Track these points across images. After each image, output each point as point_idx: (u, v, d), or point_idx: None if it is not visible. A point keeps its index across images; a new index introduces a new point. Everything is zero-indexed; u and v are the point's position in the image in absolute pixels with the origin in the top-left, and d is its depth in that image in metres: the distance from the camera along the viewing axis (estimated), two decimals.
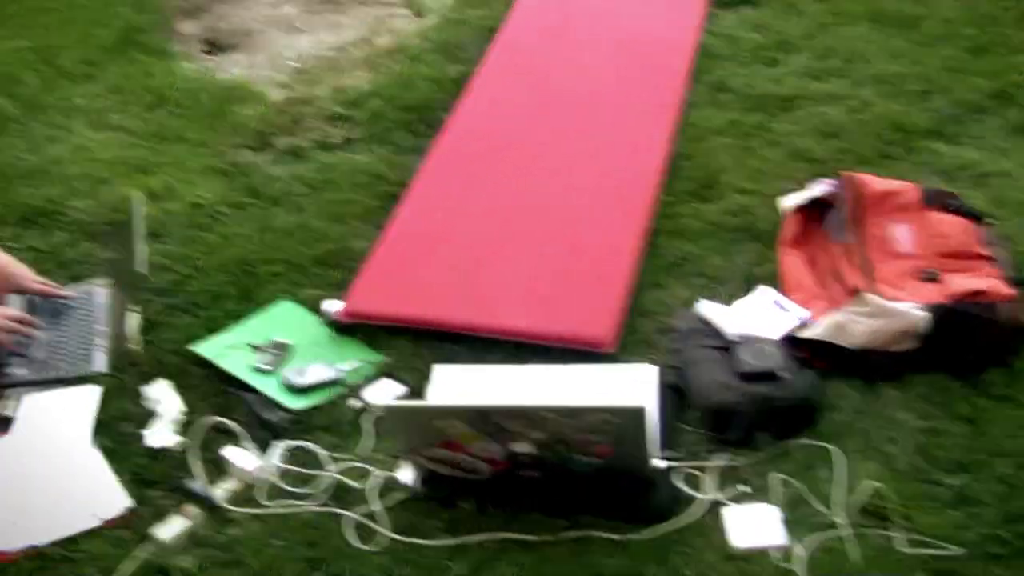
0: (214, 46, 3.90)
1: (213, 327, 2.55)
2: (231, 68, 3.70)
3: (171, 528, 2.06)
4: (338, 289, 2.61)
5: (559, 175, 2.90)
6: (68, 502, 2.14)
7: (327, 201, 2.94)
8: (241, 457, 2.19)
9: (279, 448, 2.22)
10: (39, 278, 2.65)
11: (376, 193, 2.95)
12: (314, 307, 2.58)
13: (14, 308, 2.61)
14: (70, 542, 2.05)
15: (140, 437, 2.26)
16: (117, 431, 2.29)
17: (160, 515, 2.08)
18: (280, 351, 2.47)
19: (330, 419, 2.28)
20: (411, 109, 3.28)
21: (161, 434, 2.29)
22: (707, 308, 2.42)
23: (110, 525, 2.08)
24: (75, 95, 3.53)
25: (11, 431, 2.32)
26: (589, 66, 3.35)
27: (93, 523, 2.08)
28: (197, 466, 2.18)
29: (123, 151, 3.22)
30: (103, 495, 2.15)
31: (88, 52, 3.76)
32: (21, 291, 2.63)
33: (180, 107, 3.41)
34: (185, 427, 2.28)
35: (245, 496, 2.12)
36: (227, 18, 4.04)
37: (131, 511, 2.11)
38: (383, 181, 3.00)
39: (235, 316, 2.58)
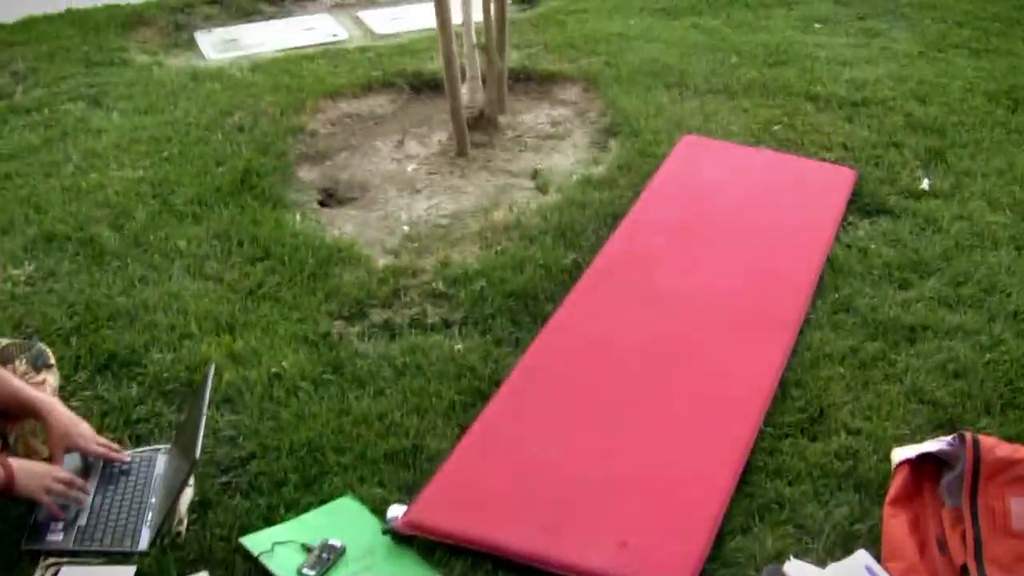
0: (331, 197, 3.93)
1: (269, 516, 2.48)
2: (343, 224, 3.71)
3: None
4: (406, 492, 2.51)
5: (658, 392, 2.78)
6: None
7: (411, 390, 2.86)
8: None
9: None
10: (102, 440, 2.62)
11: (464, 387, 2.87)
12: (377, 508, 2.48)
13: (69, 467, 2.58)
14: None
15: None
16: None
17: None
18: (330, 555, 2.37)
19: None
20: (516, 296, 3.21)
21: None
22: (795, 569, 2.24)
23: None
24: (179, 236, 3.57)
25: None
26: (708, 268, 3.25)
27: None
28: None
29: (214, 304, 3.22)
30: None
31: (202, 192, 3.82)
32: (80, 451, 2.59)
33: (281, 263, 3.40)
34: None
35: None
36: (349, 168, 4.07)
37: None
38: (473, 375, 2.91)
39: (294, 505, 2.51)
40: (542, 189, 3.82)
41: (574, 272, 3.30)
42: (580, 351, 2.95)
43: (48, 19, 5.54)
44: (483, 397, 2.82)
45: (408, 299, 3.26)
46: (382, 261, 3.46)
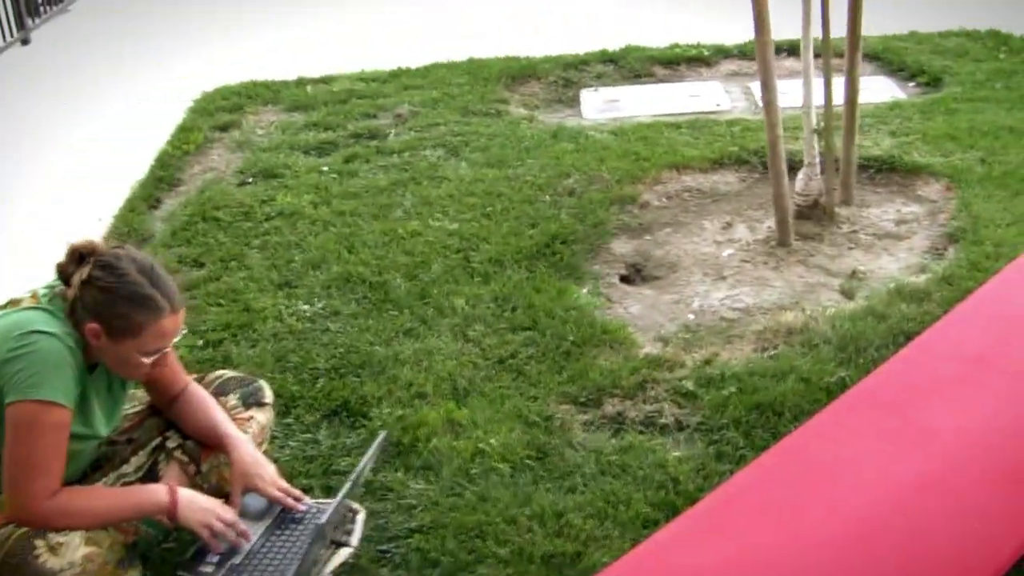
0: (637, 273, 3.92)
1: None
2: (631, 304, 3.69)
3: None
4: None
5: (880, 544, 2.49)
6: None
7: (604, 491, 2.79)
8: None
9: None
10: (282, 484, 2.77)
11: (659, 500, 2.75)
12: None
13: (255, 507, 2.75)
14: None
15: None
16: None
17: None
18: None
19: None
20: (762, 408, 3.03)
21: None
22: None
23: None
24: (462, 294, 3.72)
25: None
26: (996, 408, 2.87)
27: None
28: None
29: (459, 368, 3.33)
30: None
31: (503, 252, 3.96)
32: (258, 492, 2.77)
33: (543, 336, 3.45)
34: None
35: None
36: (666, 245, 4.04)
37: None
38: (675, 487, 2.78)
39: None
40: (848, 294, 3.57)
41: (836, 391, 3.06)
42: (802, 481, 2.72)
43: (448, 67, 5.99)
44: (675, 513, 2.69)
45: (652, 394, 3.18)
46: (646, 349, 3.40)
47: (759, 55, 3.67)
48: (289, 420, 3.21)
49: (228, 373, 3.04)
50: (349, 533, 2.73)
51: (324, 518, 2.51)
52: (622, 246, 4.05)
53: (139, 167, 5.08)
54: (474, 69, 5.92)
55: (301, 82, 6.00)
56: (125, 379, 2.69)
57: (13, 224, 4.64)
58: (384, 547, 2.70)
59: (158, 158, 5.16)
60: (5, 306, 2.59)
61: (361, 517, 2.79)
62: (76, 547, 2.49)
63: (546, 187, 4.43)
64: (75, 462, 2.63)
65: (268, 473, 2.76)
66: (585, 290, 3.74)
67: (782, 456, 2.81)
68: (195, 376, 2.97)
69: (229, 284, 3.95)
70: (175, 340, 2.59)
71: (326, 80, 6.00)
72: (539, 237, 4.04)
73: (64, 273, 2.54)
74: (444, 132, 5.12)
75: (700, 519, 2.64)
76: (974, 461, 2.73)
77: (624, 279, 3.89)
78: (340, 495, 2.61)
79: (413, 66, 6.07)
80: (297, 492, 2.78)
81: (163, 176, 4.97)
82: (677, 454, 2.92)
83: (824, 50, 3.86)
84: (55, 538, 2.48)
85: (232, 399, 2.94)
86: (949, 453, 2.76)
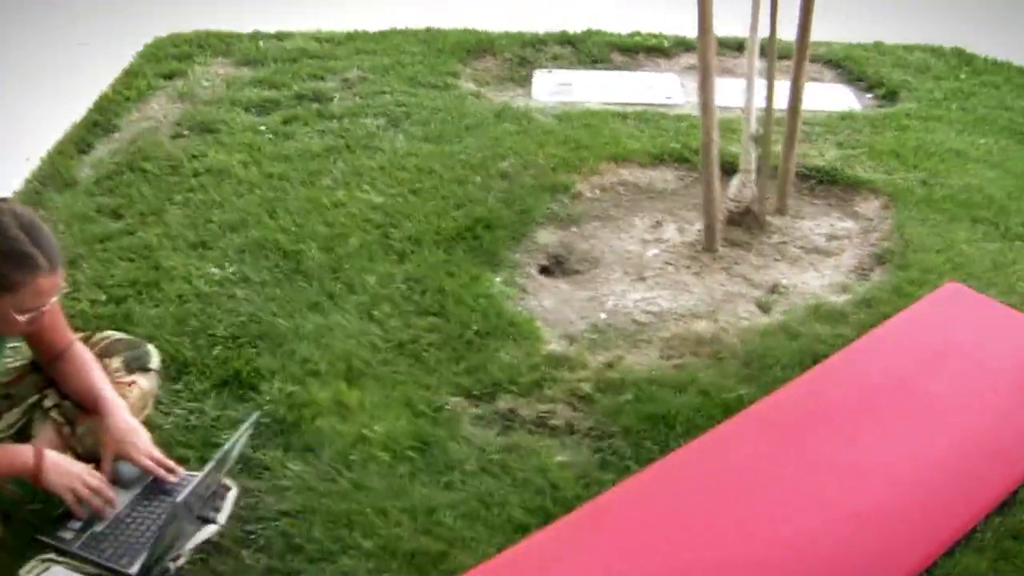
0: (559, 266, 3.86)
1: None
2: (544, 298, 3.64)
3: None
4: None
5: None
6: None
7: (480, 491, 2.76)
8: None
9: None
10: (156, 455, 2.71)
11: (535, 505, 2.72)
12: None
13: (129, 474, 2.70)
14: None
15: None
16: None
17: None
18: None
19: None
20: (655, 419, 2.99)
21: None
22: None
23: None
24: (374, 271, 3.66)
25: None
26: (890, 443, 2.85)
27: None
28: None
29: (358, 349, 3.29)
30: None
31: (423, 232, 3.91)
32: (129, 460, 2.71)
33: (447, 323, 3.41)
34: None
35: None
36: (592, 239, 4.00)
37: None
38: (554, 494, 2.75)
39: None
40: (765, 308, 3.53)
41: (735, 407, 3.02)
42: (679, 499, 2.69)
43: (405, 34, 5.89)
44: (548, 520, 2.65)
45: (548, 393, 3.13)
46: (551, 346, 3.35)
47: (700, 54, 3.61)
48: (179, 387, 3.15)
49: (115, 335, 2.99)
50: (218, 510, 2.70)
51: (182, 496, 2.45)
52: (547, 236, 4.00)
53: (77, 110, 4.97)
54: (430, 39, 5.82)
55: (255, 36, 5.88)
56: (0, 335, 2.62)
57: None
58: (251, 527, 2.65)
59: (97, 102, 5.06)
60: None
61: (232, 494, 2.75)
62: None
63: (480, 168, 4.37)
64: None
65: (142, 441, 2.71)
66: (499, 279, 3.68)
67: (662, 472, 2.77)
68: (82, 335, 2.91)
69: (143, 240, 3.88)
70: (52, 300, 2.53)
71: (280, 36, 5.89)
72: (463, 219, 3.98)
73: None
74: (389, 101, 5.04)
75: (568, 530, 2.61)
76: (863, 493, 2.70)
77: (544, 270, 3.84)
78: (203, 473, 2.56)
79: (371, 30, 5.97)
80: (171, 464, 2.73)
81: (98, 121, 4.87)
82: (561, 459, 2.88)
83: (769, 53, 3.79)
84: None
85: (116, 362, 2.88)
86: (837, 482, 2.73)
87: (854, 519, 2.60)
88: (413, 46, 5.72)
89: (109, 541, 2.60)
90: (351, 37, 5.89)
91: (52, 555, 2.56)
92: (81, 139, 4.71)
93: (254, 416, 2.79)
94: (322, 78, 5.36)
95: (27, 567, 2.53)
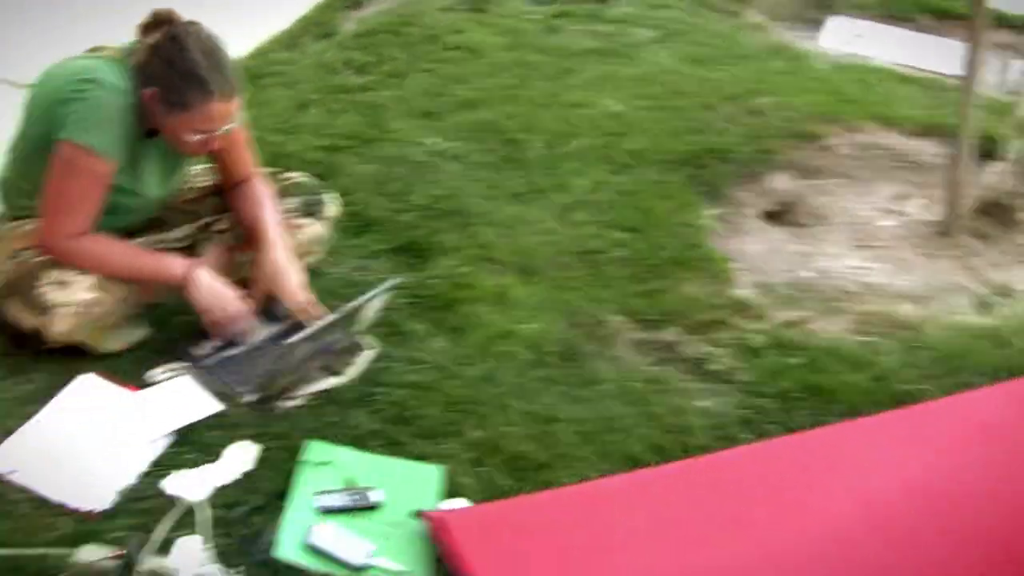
0: (783, 214, 3.65)
1: (359, 442, 2.45)
2: (750, 243, 3.44)
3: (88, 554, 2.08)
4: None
5: None
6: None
7: (608, 414, 2.64)
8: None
9: None
10: (304, 298, 2.72)
11: (652, 443, 2.57)
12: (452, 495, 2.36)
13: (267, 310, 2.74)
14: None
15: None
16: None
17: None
18: (359, 502, 2.32)
19: None
20: (819, 391, 2.77)
21: (183, 485, 2.29)
22: None
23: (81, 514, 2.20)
24: (585, 176, 3.58)
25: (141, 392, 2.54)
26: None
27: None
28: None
29: (542, 247, 3.24)
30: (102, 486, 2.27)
31: (647, 150, 3.79)
32: (278, 296, 2.74)
33: (642, 243, 3.29)
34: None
35: None
36: (827, 195, 3.75)
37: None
38: (680, 438, 2.59)
39: (394, 446, 2.45)
40: (983, 308, 3.21)
41: (906, 401, 2.76)
42: (785, 478, 2.49)
43: None
44: (664, 460, 2.52)
45: (716, 337, 2.96)
46: (739, 292, 3.17)
47: (973, 26, 3.30)
48: (356, 242, 3.18)
49: (302, 178, 3.01)
50: (348, 365, 2.69)
51: (294, 338, 2.46)
52: (781, 182, 3.77)
53: None
54: None
55: None
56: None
57: None
58: (373, 390, 2.64)
59: None
60: (91, 51, 2.61)
61: (368, 355, 2.74)
62: (82, 288, 2.56)
63: (733, 99, 4.16)
64: (120, 216, 2.67)
65: (291, 281, 2.73)
66: (712, 212, 3.50)
67: (786, 447, 2.57)
68: (274, 170, 2.95)
69: (377, 99, 3.92)
70: (225, 127, 2.56)
71: None
72: (695, 145, 3.81)
73: (142, 34, 2.54)
74: (668, 17, 4.88)
75: (664, 479, 2.46)
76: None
77: (767, 215, 3.62)
78: (322, 322, 2.57)
79: None
80: (318, 310, 2.74)
81: None
82: (704, 404, 2.71)
83: None
84: (67, 275, 2.55)
85: (292, 203, 2.92)
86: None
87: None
88: None
89: (237, 366, 2.66)
90: None
91: (183, 365, 2.63)
92: None
93: (392, 281, 2.75)
94: None
95: (157, 370, 2.62)
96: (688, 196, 3.53)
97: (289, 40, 4.30)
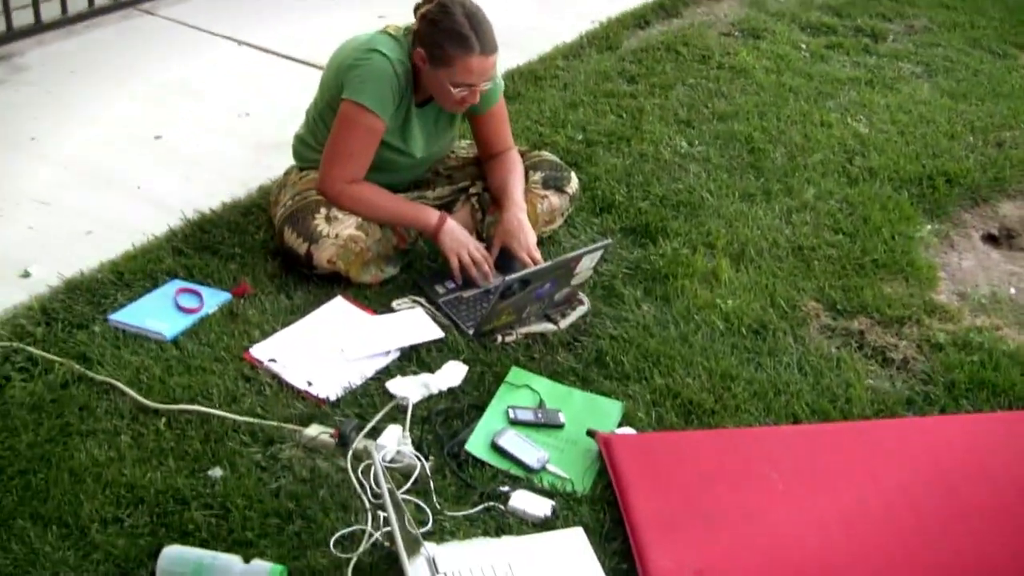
0: (1008, 239, 3.77)
1: (556, 376, 2.85)
2: (966, 260, 3.59)
3: (313, 431, 2.58)
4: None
5: None
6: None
7: (780, 378, 2.89)
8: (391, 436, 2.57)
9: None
10: (534, 253, 3.14)
11: (819, 408, 2.82)
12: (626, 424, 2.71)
13: (504, 264, 3.18)
14: None
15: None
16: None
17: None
18: (542, 420, 2.70)
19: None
20: (988, 386, 2.91)
21: (399, 386, 2.76)
22: None
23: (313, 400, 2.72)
24: (819, 185, 3.81)
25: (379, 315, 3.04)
26: None
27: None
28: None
29: (759, 239, 3.50)
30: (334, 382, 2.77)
31: (887, 165, 3.95)
32: (510, 250, 3.18)
33: (853, 245, 3.51)
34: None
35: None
36: None
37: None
38: (840, 405, 2.83)
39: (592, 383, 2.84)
40: None
41: None
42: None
43: None
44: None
45: (904, 331, 3.14)
46: (937, 297, 3.33)
47: None
48: (596, 220, 3.55)
49: (548, 156, 3.44)
50: (564, 316, 3.08)
51: (509, 278, 2.86)
52: (1012, 209, 3.87)
53: None
54: (1019, 8, 5.63)
55: None
56: (449, 111, 3.14)
57: None
58: (579, 337, 3.01)
59: None
60: (382, 29, 3.15)
61: (582, 309, 3.12)
62: (347, 226, 3.07)
63: (979, 131, 4.27)
64: (389, 172, 3.18)
65: (525, 239, 3.15)
66: (931, 227, 3.67)
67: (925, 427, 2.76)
68: (522, 150, 3.40)
69: (640, 104, 4.30)
70: (485, 82, 3.00)
71: None
72: (929, 168, 3.97)
73: (416, 9, 3.05)
74: (937, 54, 5.00)
75: (811, 433, 2.70)
76: None
77: (988, 238, 3.75)
78: (538, 267, 2.96)
79: None
80: (539, 266, 3.14)
81: (665, 5, 5.33)
82: (872, 383, 2.92)
83: None
84: (336, 212, 3.07)
85: (537, 176, 3.34)
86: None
87: None
88: (995, 10, 5.56)
89: (467, 305, 3.10)
90: None
91: (422, 300, 3.10)
92: (643, 16, 5.20)
93: (604, 241, 3.12)
94: (889, 20, 5.42)
95: (399, 301, 3.10)
96: (909, 211, 3.71)
97: (573, 51, 4.75)
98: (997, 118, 4.38)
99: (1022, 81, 4.82)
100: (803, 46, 4.98)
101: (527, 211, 3.21)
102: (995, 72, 4.86)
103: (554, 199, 3.36)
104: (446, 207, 3.32)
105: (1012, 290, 3.44)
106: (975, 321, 3.23)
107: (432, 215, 3.15)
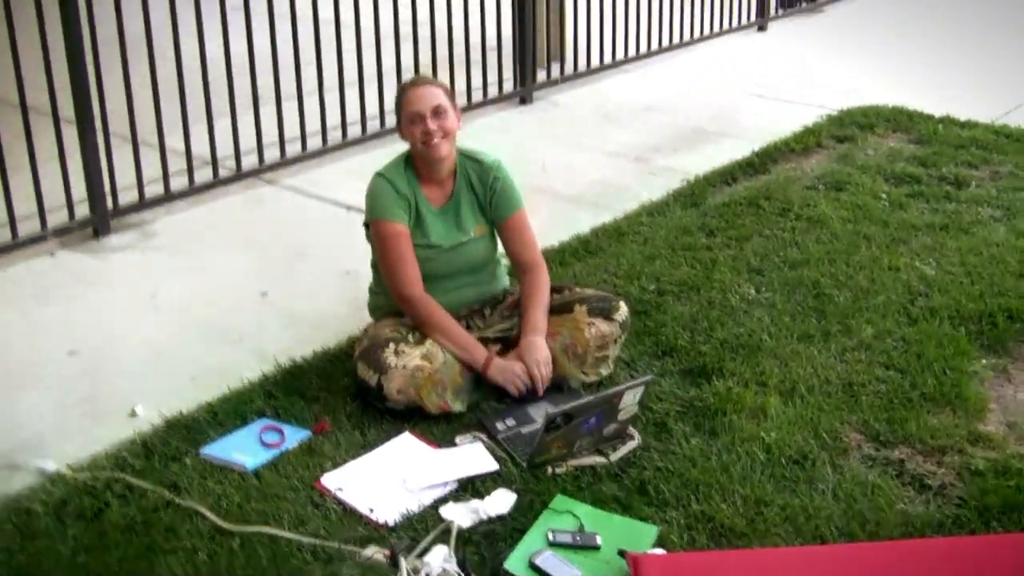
0: None
1: (598, 504, 3.11)
2: (1021, 393, 3.72)
3: (369, 551, 2.90)
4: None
5: None
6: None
7: (811, 504, 3.08)
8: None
9: None
10: (538, 371, 3.53)
11: (846, 530, 3.00)
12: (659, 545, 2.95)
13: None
14: None
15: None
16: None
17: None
18: (578, 542, 2.95)
19: None
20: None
21: (452, 511, 3.06)
22: None
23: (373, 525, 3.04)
24: (879, 326, 4.02)
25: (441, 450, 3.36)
26: None
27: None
28: None
29: (810, 377, 3.71)
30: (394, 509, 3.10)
31: (949, 304, 4.14)
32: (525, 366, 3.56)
33: (903, 379, 3.69)
34: None
35: None
36: None
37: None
38: (869, 527, 3.00)
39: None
40: None
41: None
42: None
43: None
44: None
45: (946, 459, 3.27)
46: (985, 428, 3.46)
47: None
48: (656, 363, 3.82)
49: (593, 292, 3.80)
50: (615, 450, 3.34)
51: (555, 410, 3.16)
52: None
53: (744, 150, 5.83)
54: None
55: (941, 120, 6.25)
56: (428, 157, 3.62)
57: None
58: (626, 468, 3.26)
59: (764, 148, 5.85)
60: None
61: (632, 444, 3.38)
62: (413, 357, 3.45)
63: None
64: (434, 280, 3.66)
65: (533, 356, 3.54)
66: (986, 362, 3.82)
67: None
68: (573, 284, 3.89)
69: (714, 256, 4.58)
70: (423, 109, 3.57)
71: (964, 124, 6.19)
72: (991, 305, 4.11)
73: None
74: (1016, 198, 5.15)
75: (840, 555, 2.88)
76: None
77: None
78: (581, 401, 3.24)
79: None
80: (539, 384, 3.53)
81: (754, 163, 5.66)
82: (904, 507, 3.08)
83: None
84: (403, 347, 3.45)
85: (583, 307, 3.69)
86: None
87: None
88: None
89: (524, 440, 3.38)
90: None
91: (483, 436, 3.41)
92: (731, 173, 5.53)
93: (647, 377, 3.39)
94: (975, 167, 5.60)
95: (462, 436, 3.41)
96: (965, 345, 3.86)
97: (658, 208, 5.09)
98: None
99: None
100: (883, 195, 5.20)
101: (577, 337, 3.59)
102: None
103: (602, 326, 3.66)
104: (505, 341, 3.67)
105: None
106: (1020, 449, 3.35)
107: (481, 353, 3.53)
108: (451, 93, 3.71)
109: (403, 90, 3.66)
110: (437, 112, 3.57)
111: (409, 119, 3.60)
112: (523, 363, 3.53)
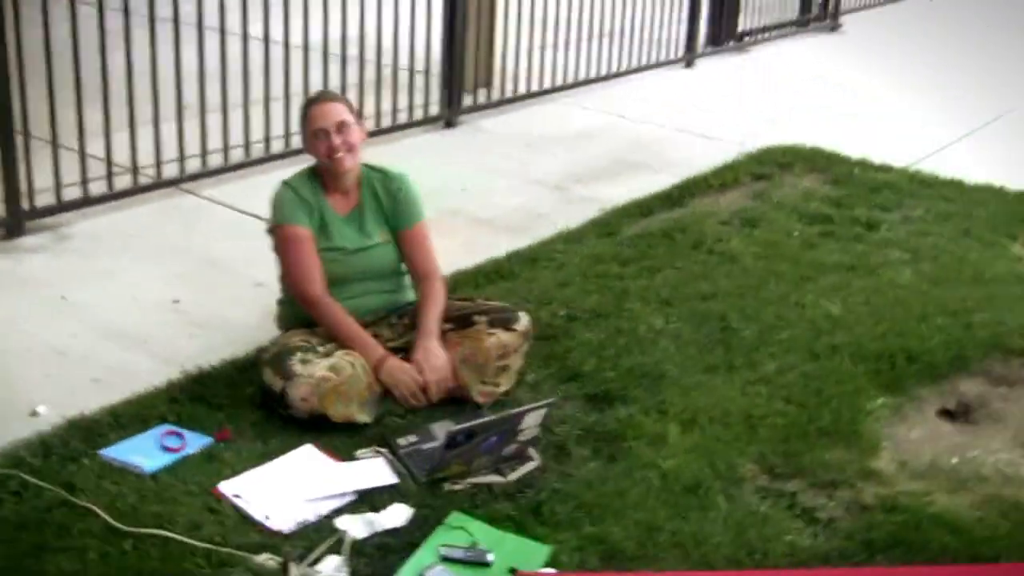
0: (964, 414, 3.98)
1: (493, 521, 3.15)
2: (915, 432, 3.82)
3: (262, 559, 2.92)
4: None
5: None
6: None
7: (693, 533, 3.16)
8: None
9: None
10: (429, 394, 3.64)
11: (735, 561, 3.07)
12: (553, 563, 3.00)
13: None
14: None
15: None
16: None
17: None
18: (471, 558, 2.99)
19: None
20: (906, 545, 3.15)
21: (347, 523, 3.08)
22: None
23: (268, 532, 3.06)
24: (779, 359, 4.11)
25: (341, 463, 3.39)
26: None
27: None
28: None
29: (711, 408, 3.79)
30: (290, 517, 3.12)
31: (850, 342, 4.25)
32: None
33: (800, 416, 3.78)
34: None
35: None
36: (1019, 403, 4.03)
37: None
38: (759, 559, 3.08)
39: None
40: None
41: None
42: None
43: (991, 192, 6.05)
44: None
45: (837, 494, 3.37)
46: (875, 463, 3.55)
47: None
48: (562, 387, 3.87)
49: (495, 304, 3.89)
50: (513, 470, 3.39)
51: (454, 429, 3.21)
52: (970, 386, 4.10)
53: (663, 182, 5.93)
54: (1016, 200, 5.94)
55: (857, 163, 6.41)
56: (332, 169, 3.75)
57: None
58: (523, 488, 3.31)
59: (683, 182, 5.96)
60: None
61: (531, 465, 3.43)
62: (319, 367, 3.49)
63: (948, 314, 4.50)
64: (342, 284, 3.75)
65: (429, 362, 3.64)
66: (882, 401, 3.92)
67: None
68: (470, 295, 4.03)
69: (624, 286, 4.66)
70: (327, 125, 3.68)
71: (880, 168, 6.36)
72: (893, 345, 4.21)
73: None
74: (926, 244, 5.27)
75: None
76: None
77: (944, 413, 3.98)
78: (477, 421, 3.30)
79: (969, 181, 6.21)
80: (421, 398, 3.65)
81: (672, 196, 5.77)
82: (790, 539, 3.15)
83: None
84: (310, 356, 3.49)
85: (483, 319, 3.77)
86: None
87: None
88: (994, 203, 5.87)
89: (424, 457, 3.42)
90: (945, 183, 6.17)
91: (384, 450, 3.44)
92: (648, 205, 5.62)
93: (550, 400, 3.46)
94: (888, 210, 5.75)
95: (363, 451, 3.44)
96: (865, 384, 3.96)
97: (575, 236, 5.17)
98: (971, 302, 4.64)
99: (1007, 268, 5.08)
100: (796, 234, 5.32)
101: (477, 347, 3.67)
102: (981, 260, 5.13)
103: (503, 336, 3.73)
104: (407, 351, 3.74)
105: (954, 459, 3.65)
106: (909, 486, 3.45)
107: (376, 352, 3.61)
108: (354, 108, 3.82)
109: (307, 107, 3.76)
110: (341, 128, 3.67)
111: (314, 135, 3.70)
112: (416, 369, 3.58)
